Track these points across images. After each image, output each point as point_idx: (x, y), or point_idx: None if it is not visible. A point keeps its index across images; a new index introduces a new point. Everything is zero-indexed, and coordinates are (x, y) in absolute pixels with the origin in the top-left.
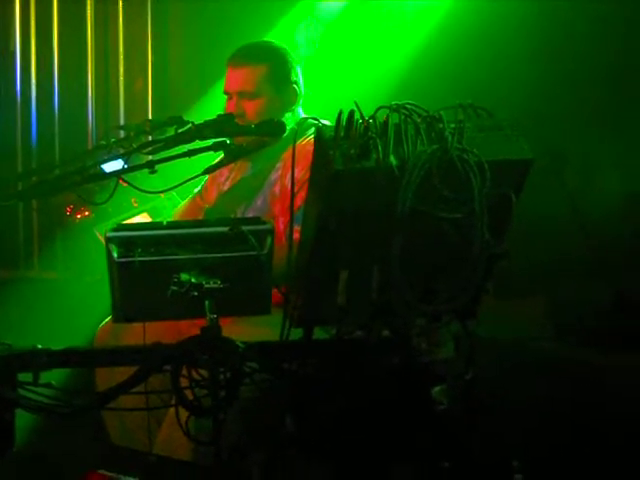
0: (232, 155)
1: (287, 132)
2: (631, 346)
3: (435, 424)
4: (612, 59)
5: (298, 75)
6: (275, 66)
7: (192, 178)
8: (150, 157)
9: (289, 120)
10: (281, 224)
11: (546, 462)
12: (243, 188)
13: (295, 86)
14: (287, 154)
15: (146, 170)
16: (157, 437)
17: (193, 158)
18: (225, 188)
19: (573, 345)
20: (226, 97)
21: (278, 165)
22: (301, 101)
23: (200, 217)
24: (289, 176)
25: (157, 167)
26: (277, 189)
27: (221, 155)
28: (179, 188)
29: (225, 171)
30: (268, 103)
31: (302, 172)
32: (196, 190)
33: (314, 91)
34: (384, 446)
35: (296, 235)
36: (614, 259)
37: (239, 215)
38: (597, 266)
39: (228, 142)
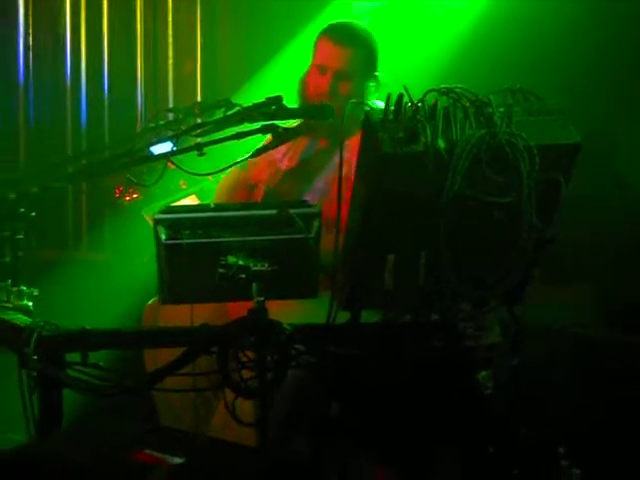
0: (280, 138)
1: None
2: None
3: (480, 409)
4: None
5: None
6: (371, 52)
7: (241, 161)
8: (199, 139)
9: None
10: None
11: (592, 449)
12: (305, 168)
13: (378, 74)
14: (354, 140)
15: (194, 152)
16: (215, 416)
17: (241, 141)
18: (285, 165)
19: (621, 332)
20: (313, 69)
21: (348, 143)
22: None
23: (246, 192)
24: (352, 161)
25: (205, 150)
26: (345, 170)
27: (269, 137)
28: (228, 170)
29: (281, 149)
30: (358, 87)
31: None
32: (242, 160)
33: None
34: (429, 430)
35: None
36: None
37: (301, 196)
38: None
39: (277, 125)
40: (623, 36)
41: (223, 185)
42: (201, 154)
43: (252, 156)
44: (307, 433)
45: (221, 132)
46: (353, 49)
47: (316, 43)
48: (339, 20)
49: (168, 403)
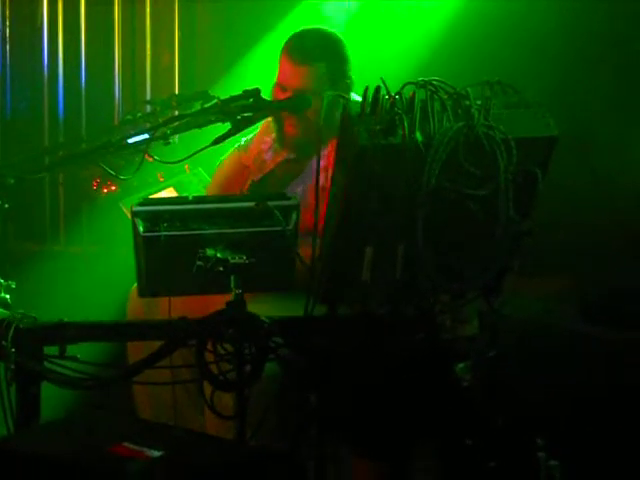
0: (238, 126)
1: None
2: None
3: (458, 401)
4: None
5: (351, 69)
6: (334, 64)
7: (201, 150)
8: (167, 130)
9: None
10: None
11: (570, 440)
12: (284, 171)
13: (349, 81)
14: (330, 147)
15: (173, 144)
16: (205, 414)
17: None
18: (267, 159)
19: (599, 324)
20: (276, 86)
21: (323, 152)
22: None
23: (245, 175)
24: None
25: (177, 139)
26: (321, 179)
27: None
28: (206, 162)
29: (268, 140)
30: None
31: None
32: (243, 141)
33: None
34: (407, 423)
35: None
36: None
37: None
38: (625, 244)
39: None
40: (603, 30)
41: (223, 170)
42: (166, 143)
43: (212, 144)
44: (285, 426)
45: (195, 122)
46: (312, 67)
47: (279, 58)
48: (302, 29)
49: (147, 396)
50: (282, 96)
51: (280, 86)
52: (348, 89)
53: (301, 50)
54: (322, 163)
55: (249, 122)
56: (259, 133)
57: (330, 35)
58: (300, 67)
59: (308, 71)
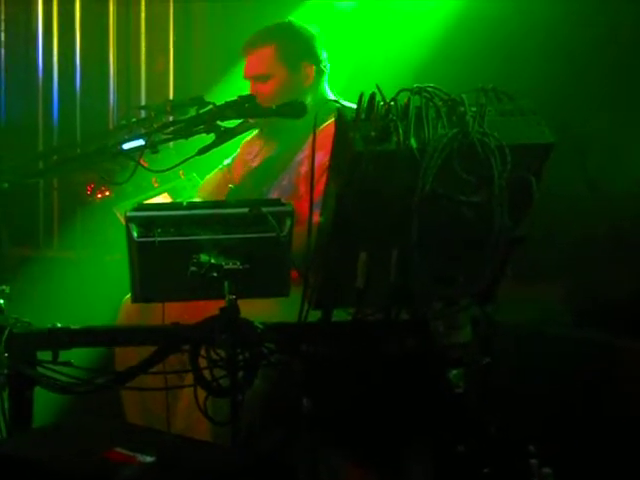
0: (222, 137)
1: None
2: None
3: (451, 407)
4: (632, 35)
5: (315, 52)
6: (285, 45)
7: (187, 159)
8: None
9: (308, 100)
10: (306, 204)
11: (563, 447)
12: (268, 168)
13: (311, 63)
14: (310, 138)
15: (168, 152)
16: (176, 417)
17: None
18: (254, 165)
19: (592, 330)
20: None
21: (305, 145)
22: (325, 81)
23: (225, 191)
24: (317, 156)
25: (173, 146)
26: (303, 169)
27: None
28: (200, 168)
29: (254, 149)
30: (282, 83)
31: (326, 156)
32: (226, 162)
33: (335, 73)
34: (400, 428)
35: (316, 218)
36: (637, 240)
37: (264, 195)
38: (619, 249)
39: (219, 125)
40: (597, 36)
41: (208, 182)
42: (155, 151)
43: (197, 154)
44: (279, 430)
45: (188, 130)
46: (259, 51)
47: None
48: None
49: (139, 401)
50: (253, 90)
51: (247, 80)
52: (312, 71)
53: (250, 39)
54: (305, 153)
55: (233, 133)
56: (241, 151)
57: (285, 21)
58: (250, 54)
59: (258, 55)
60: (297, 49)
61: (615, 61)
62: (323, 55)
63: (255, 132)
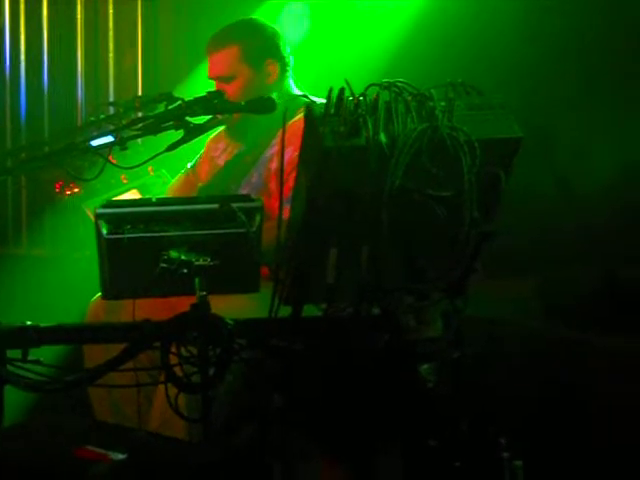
0: (191, 133)
1: (279, 109)
2: (619, 327)
3: (422, 402)
4: (599, 34)
5: (279, 48)
6: (248, 44)
7: (155, 156)
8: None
9: (275, 96)
10: (276, 201)
11: (534, 439)
12: (237, 165)
13: (274, 60)
14: (279, 135)
15: (137, 148)
16: (150, 414)
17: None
18: (221, 163)
19: (561, 325)
20: None
21: (274, 141)
22: (289, 76)
23: (192, 194)
24: (286, 152)
25: (142, 142)
26: (273, 165)
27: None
28: (170, 164)
29: (220, 146)
30: (246, 83)
31: (296, 152)
32: (189, 165)
33: (304, 69)
34: (371, 424)
35: (286, 214)
36: (605, 237)
37: (233, 192)
38: (588, 245)
39: (188, 121)
40: (566, 32)
41: (173, 186)
42: (123, 149)
43: (166, 151)
44: (250, 426)
45: (157, 126)
46: (222, 52)
47: None
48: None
49: (109, 399)
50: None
51: (213, 80)
52: (276, 68)
53: (212, 39)
54: (274, 149)
55: (202, 129)
56: (207, 148)
57: (248, 20)
58: (213, 55)
59: (220, 56)
60: (260, 47)
61: (582, 60)
62: (287, 51)
63: (221, 129)
